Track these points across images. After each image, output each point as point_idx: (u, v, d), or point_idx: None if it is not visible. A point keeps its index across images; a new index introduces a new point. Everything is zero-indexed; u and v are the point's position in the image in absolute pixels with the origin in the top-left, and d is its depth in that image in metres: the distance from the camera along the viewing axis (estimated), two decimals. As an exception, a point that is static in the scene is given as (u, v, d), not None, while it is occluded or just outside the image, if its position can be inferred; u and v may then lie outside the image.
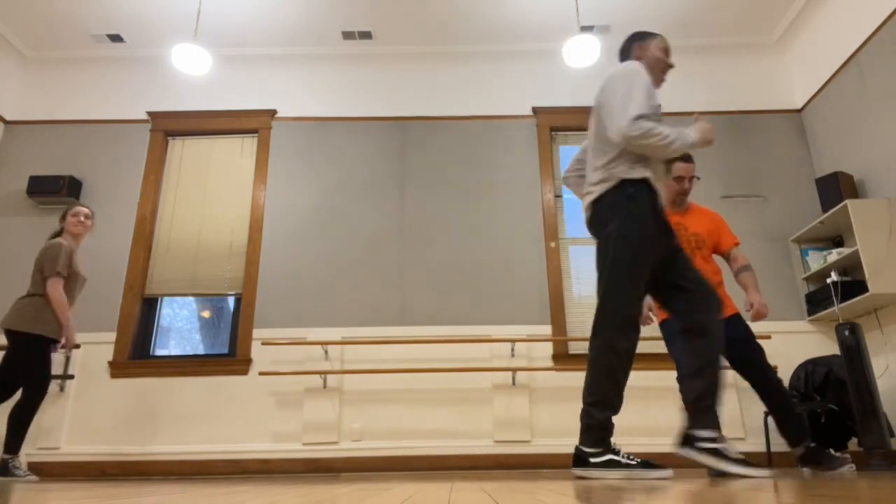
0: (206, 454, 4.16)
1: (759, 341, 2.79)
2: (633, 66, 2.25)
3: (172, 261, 4.71)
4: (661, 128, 2.14)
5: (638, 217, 2.19)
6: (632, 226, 2.17)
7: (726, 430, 4.11)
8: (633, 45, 2.44)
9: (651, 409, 4.22)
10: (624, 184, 2.21)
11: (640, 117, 2.13)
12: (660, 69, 2.42)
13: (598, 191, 2.27)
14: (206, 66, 4.36)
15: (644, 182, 2.23)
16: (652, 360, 4.32)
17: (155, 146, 4.96)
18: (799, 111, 4.95)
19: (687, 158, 2.93)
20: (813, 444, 2.82)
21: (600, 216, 2.27)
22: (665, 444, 4.12)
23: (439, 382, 4.30)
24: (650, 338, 4.34)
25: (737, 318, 2.84)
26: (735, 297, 4.30)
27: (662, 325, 2.86)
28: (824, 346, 4.31)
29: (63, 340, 3.46)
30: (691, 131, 2.20)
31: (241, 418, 4.25)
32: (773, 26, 5.06)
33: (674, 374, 4.30)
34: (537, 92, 5.10)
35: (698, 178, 3.09)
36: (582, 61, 4.33)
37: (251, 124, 5.02)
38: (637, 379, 4.28)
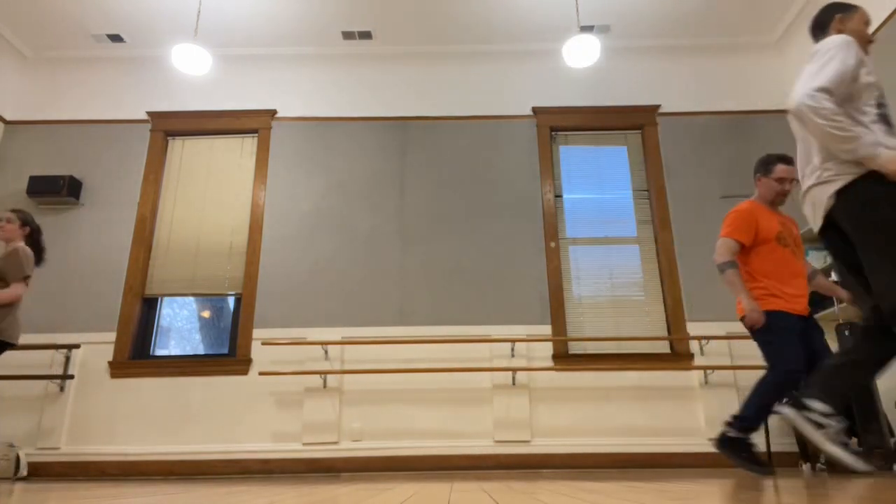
0: (206, 454, 4.16)
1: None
2: (839, 38, 2.06)
3: (172, 261, 4.71)
4: (845, 119, 1.94)
5: None
6: None
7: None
8: (835, 18, 2.23)
9: (652, 409, 4.22)
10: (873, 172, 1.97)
11: (823, 90, 1.95)
12: (863, 44, 2.23)
13: (842, 180, 2.01)
14: (206, 66, 4.35)
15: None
16: (651, 361, 4.32)
17: (155, 146, 4.96)
18: (799, 111, 4.95)
19: (789, 160, 2.91)
20: None
21: (854, 206, 2.00)
22: (665, 444, 4.12)
23: (439, 382, 4.30)
24: (649, 338, 4.34)
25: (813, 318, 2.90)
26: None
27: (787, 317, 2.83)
28: (824, 346, 4.31)
29: None
30: (884, 149, 1.94)
31: (241, 418, 4.25)
32: (773, 26, 5.06)
33: (674, 374, 4.30)
34: (537, 92, 5.10)
35: (797, 182, 3.03)
36: (582, 61, 4.33)
37: (251, 124, 5.02)
38: (637, 379, 4.28)
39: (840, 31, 2.19)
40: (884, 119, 2.08)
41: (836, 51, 2.02)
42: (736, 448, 2.64)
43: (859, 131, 1.93)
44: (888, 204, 1.93)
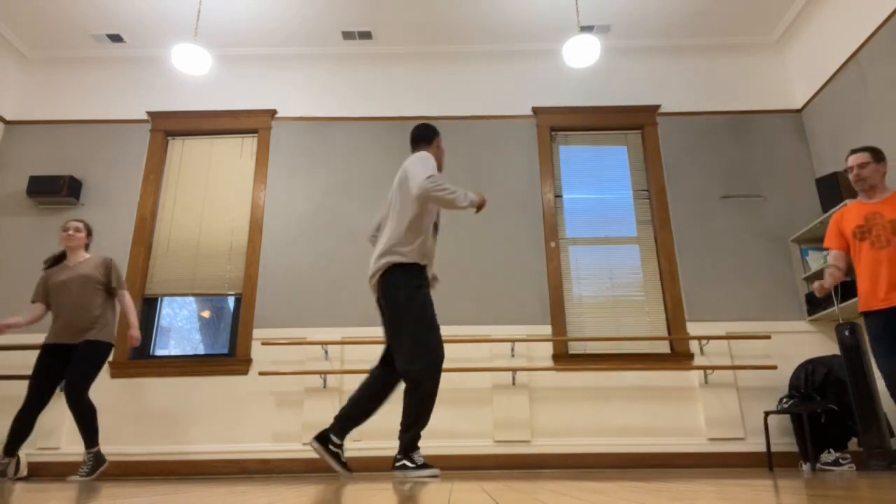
0: (206, 454, 4.16)
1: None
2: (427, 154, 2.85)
3: (172, 261, 4.71)
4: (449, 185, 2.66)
5: None
6: None
7: (725, 430, 4.11)
8: (436, 137, 3.01)
9: (652, 409, 4.22)
10: None
11: (431, 176, 2.63)
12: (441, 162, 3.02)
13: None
14: (206, 66, 4.35)
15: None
16: (651, 361, 4.32)
17: (155, 146, 4.96)
18: (799, 111, 4.95)
19: (854, 150, 3.08)
20: None
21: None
22: (665, 444, 4.12)
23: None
24: (649, 338, 4.34)
25: None
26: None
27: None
28: (824, 346, 4.31)
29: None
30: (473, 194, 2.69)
31: (241, 418, 4.25)
32: (773, 26, 5.06)
33: (674, 374, 4.30)
34: (537, 92, 5.10)
35: (881, 162, 3.07)
36: (582, 61, 4.33)
37: (251, 124, 5.02)
38: (637, 379, 4.28)
39: (437, 149, 2.99)
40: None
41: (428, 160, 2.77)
42: None
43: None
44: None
